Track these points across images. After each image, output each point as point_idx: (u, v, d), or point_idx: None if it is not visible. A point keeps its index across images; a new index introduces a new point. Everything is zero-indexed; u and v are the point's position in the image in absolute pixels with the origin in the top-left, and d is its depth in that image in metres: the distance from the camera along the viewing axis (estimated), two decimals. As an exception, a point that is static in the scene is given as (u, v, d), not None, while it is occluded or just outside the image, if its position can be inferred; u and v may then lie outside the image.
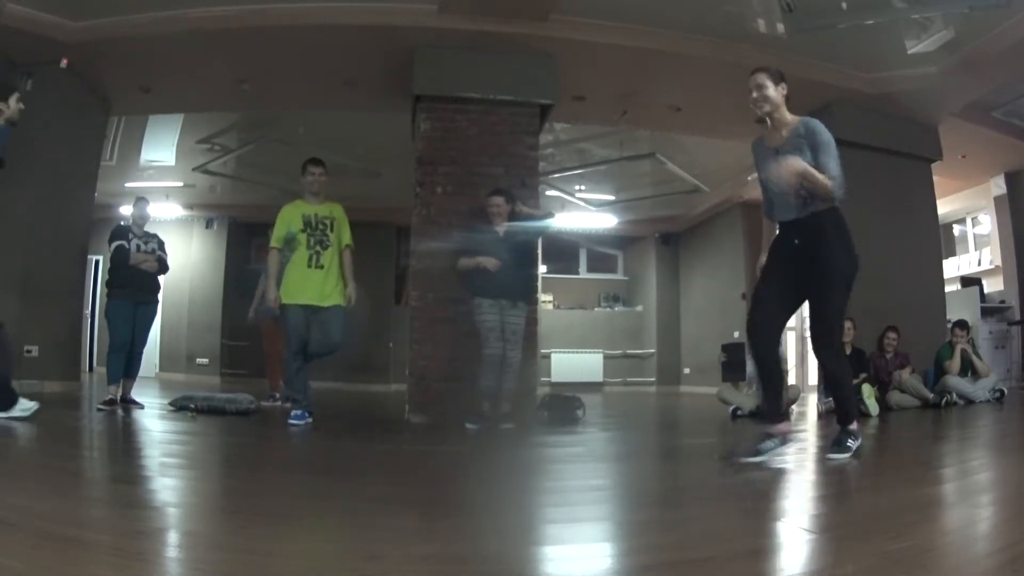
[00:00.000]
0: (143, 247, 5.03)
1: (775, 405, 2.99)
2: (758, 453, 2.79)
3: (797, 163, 2.70)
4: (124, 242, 4.94)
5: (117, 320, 4.92)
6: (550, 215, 5.36)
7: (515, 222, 4.85)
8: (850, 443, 2.82)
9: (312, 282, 4.46)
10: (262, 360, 6.71)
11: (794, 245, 2.89)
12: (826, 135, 2.81)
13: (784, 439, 2.89)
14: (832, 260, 2.80)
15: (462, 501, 2.16)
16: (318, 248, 4.51)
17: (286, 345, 4.51)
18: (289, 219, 4.53)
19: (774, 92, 2.88)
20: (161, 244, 5.18)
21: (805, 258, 2.84)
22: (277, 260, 4.53)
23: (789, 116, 2.92)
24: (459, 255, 4.80)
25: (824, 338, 2.89)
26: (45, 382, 5.57)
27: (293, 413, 4.40)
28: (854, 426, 2.87)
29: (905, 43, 5.74)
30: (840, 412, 2.93)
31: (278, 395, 5.99)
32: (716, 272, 11.05)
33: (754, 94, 2.91)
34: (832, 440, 2.88)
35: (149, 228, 5.24)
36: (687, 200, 10.68)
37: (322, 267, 4.50)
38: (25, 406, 3.64)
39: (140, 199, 5.32)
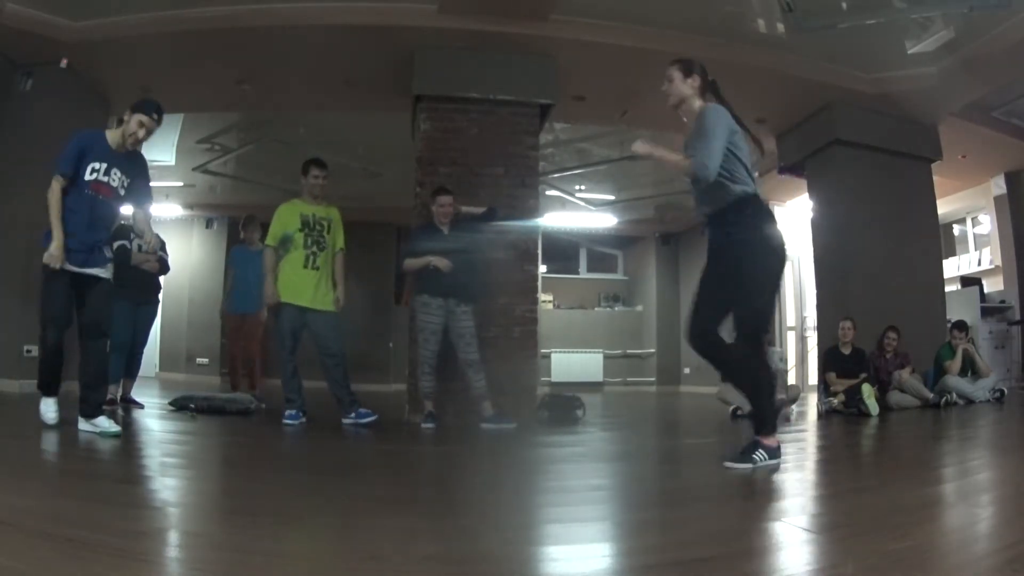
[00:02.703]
0: (145, 247, 5.02)
1: (763, 408, 2.72)
2: (751, 462, 2.58)
3: (639, 146, 2.74)
4: (126, 242, 4.95)
5: (118, 320, 4.89)
6: (492, 211, 5.10)
7: (459, 222, 4.81)
8: (757, 456, 2.58)
9: (307, 283, 4.46)
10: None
11: (715, 242, 2.80)
12: (707, 121, 2.67)
13: (774, 452, 2.63)
14: (749, 256, 2.66)
15: (462, 501, 2.16)
16: (315, 249, 4.51)
17: (280, 345, 4.50)
18: (286, 219, 4.53)
19: (681, 85, 2.83)
20: (162, 244, 5.18)
21: (724, 256, 2.74)
22: (273, 257, 4.52)
23: (696, 106, 2.83)
24: (406, 256, 4.75)
25: (747, 342, 2.72)
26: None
27: (287, 413, 4.40)
28: (772, 442, 2.64)
29: (905, 43, 5.73)
30: (756, 421, 2.71)
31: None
32: (716, 272, 11.02)
33: (664, 86, 2.87)
34: (741, 447, 2.67)
35: (150, 228, 5.24)
36: (687, 200, 10.66)
37: (318, 268, 4.50)
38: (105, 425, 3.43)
39: (143, 199, 5.31)
